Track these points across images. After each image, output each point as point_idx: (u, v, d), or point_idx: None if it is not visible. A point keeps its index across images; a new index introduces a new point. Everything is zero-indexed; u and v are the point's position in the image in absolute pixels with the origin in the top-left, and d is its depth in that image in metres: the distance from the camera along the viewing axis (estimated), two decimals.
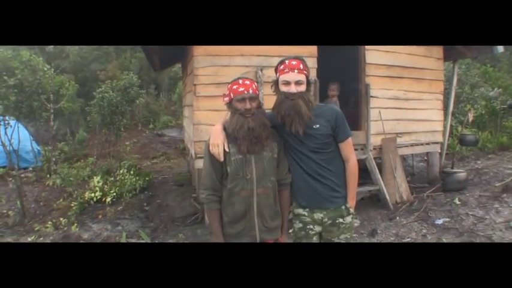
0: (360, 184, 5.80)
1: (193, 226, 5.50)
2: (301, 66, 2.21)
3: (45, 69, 8.82)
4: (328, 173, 2.29)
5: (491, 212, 5.05)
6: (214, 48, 4.99)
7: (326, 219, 2.31)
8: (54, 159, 9.50)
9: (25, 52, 9.28)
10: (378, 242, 4.63)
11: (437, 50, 6.55)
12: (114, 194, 7.03)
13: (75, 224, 5.71)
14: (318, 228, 2.35)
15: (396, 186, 5.97)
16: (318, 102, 5.44)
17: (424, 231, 4.84)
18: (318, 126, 2.25)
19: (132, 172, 8.06)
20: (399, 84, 6.19)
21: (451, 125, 7.94)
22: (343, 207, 2.33)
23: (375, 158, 5.97)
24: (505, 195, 5.59)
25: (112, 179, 7.72)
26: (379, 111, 5.98)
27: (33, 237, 5.36)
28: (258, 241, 2.20)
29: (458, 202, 5.58)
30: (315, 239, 2.38)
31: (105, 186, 7.26)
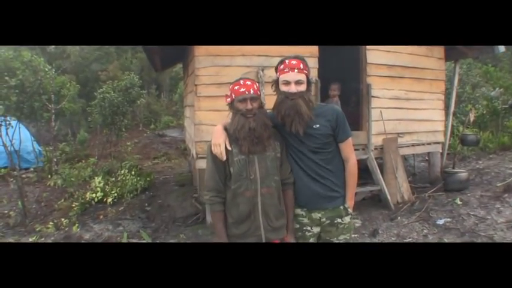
0: (361, 184, 5.90)
1: (194, 226, 5.50)
2: (301, 65, 2.20)
3: (47, 69, 8.82)
4: (327, 172, 2.28)
5: (493, 212, 5.02)
6: (216, 48, 4.98)
7: (324, 219, 2.30)
8: (55, 159, 9.49)
9: (26, 52, 9.29)
10: (379, 242, 4.62)
11: (438, 50, 6.54)
12: (115, 194, 7.03)
13: (76, 225, 5.72)
14: (315, 230, 2.34)
15: (397, 187, 5.95)
16: (319, 102, 5.45)
17: (425, 231, 4.83)
18: (318, 126, 2.24)
19: (133, 172, 8.07)
20: (400, 84, 6.18)
21: (452, 125, 7.92)
22: (341, 207, 2.32)
23: (376, 158, 5.95)
24: (506, 195, 5.56)
25: (113, 179, 7.73)
26: (380, 111, 5.97)
27: (34, 238, 5.36)
28: (263, 241, 2.19)
29: (459, 202, 5.56)
30: (311, 241, 2.36)
31: (106, 186, 7.27)
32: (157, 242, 5.08)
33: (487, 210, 5.15)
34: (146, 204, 6.86)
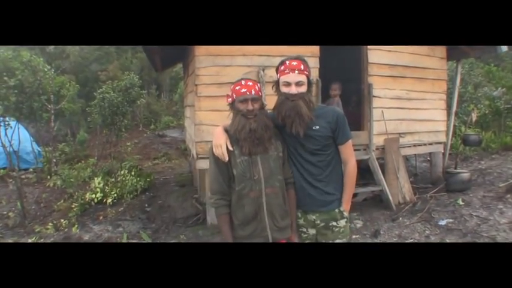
0: (362, 185, 5.92)
1: (195, 227, 5.48)
2: (302, 66, 2.18)
3: (46, 69, 8.79)
4: (325, 175, 2.27)
5: (495, 213, 5.00)
6: (216, 48, 4.97)
7: (319, 222, 2.30)
8: (54, 160, 9.50)
9: (25, 53, 9.24)
10: (381, 242, 4.58)
11: (440, 50, 6.52)
12: (115, 195, 7.03)
13: (76, 225, 5.72)
14: (311, 231, 2.34)
15: (399, 187, 5.94)
16: (320, 102, 5.47)
17: (427, 232, 4.81)
18: (317, 127, 2.23)
19: (133, 173, 8.06)
20: (402, 84, 6.16)
21: (454, 125, 7.89)
22: (336, 210, 2.30)
23: (377, 159, 5.93)
24: (509, 195, 5.54)
25: (113, 179, 7.72)
26: (382, 111, 5.95)
27: (33, 239, 5.37)
28: (270, 241, 2.18)
29: (461, 203, 5.54)
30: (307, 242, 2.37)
31: (106, 187, 7.27)
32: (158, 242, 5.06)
33: (489, 210, 5.12)
34: (146, 205, 6.85)
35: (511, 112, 10.19)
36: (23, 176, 8.78)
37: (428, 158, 7.74)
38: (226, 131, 2.22)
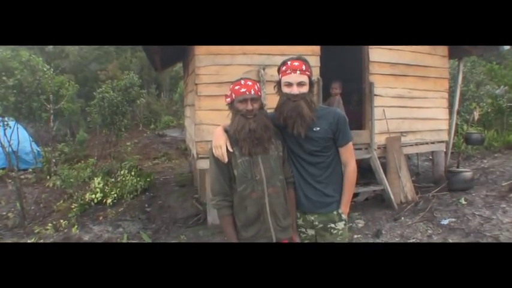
0: (364, 184, 5.92)
1: (195, 227, 5.47)
2: (304, 67, 2.18)
3: (45, 69, 8.80)
4: (324, 176, 2.28)
5: (498, 212, 4.98)
6: (216, 47, 4.95)
7: (317, 223, 2.30)
8: (54, 160, 9.49)
9: (24, 52, 9.26)
10: (383, 242, 4.57)
11: (442, 48, 6.49)
12: (115, 195, 7.02)
13: (76, 226, 5.71)
14: (310, 232, 2.35)
15: (401, 186, 5.91)
16: (321, 100, 5.48)
17: (429, 231, 4.78)
18: (318, 129, 2.23)
19: (133, 173, 8.05)
20: (403, 83, 6.15)
21: (457, 124, 7.87)
22: (334, 212, 2.30)
23: (379, 158, 5.92)
24: (511, 194, 5.51)
25: (113, 180, 7.71)
26: (383, 110, 5.93)
27: (33, 239, 5.36)
28: (274, 241, 2.18)
29: (464, 202, 5.52)
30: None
31: (106, 187, 7.25)
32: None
33: (492, 210, 5.10)
34: (146, 205, 6.84)
35: None
36: (22, 177, 8.78)
37: (430, 157, 7.70)
38: (226, 131, 2.22)
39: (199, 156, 5.09)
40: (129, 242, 5.14)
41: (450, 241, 4.39)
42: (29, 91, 8.19)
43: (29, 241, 5.29)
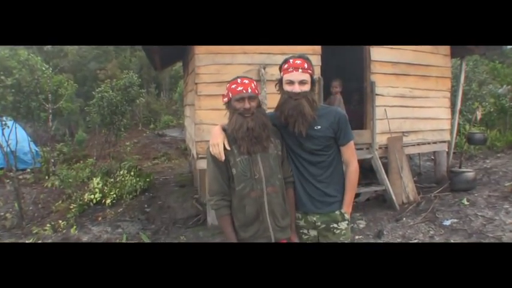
0: (365, 184, 5.90)
1: (195, 228, 5.46)
2: (306, 65, 2.18)
3: (44, 68, 8.80)
4: (326, 176, 2.27)
5: (501, 213, 4.97)
6: (216, 46, 4.92)
7: (319, 223, 2.29)
8: (52, 160, 9.47)
9: (23, 51, 9.25)
10: (384, 243, 4.55)
11: (444, 47, 6.46)
12: (114, 195, 6.99)
13: (75, 227, 5.69)
14: (313, 233, 2.33)
15: (403, 186, 5.90)
16: (322, 100, 5.46)
17: (431, 232, 4.77)
18: (319, 127, 2.22)
19: (132, 173, 8.03)
20: (405, 82, 6.13)
21: (459, 123, 7.86)
22: (337, 212, 2.29)
23: (380, 158, 5.90)
24: None
25: (112, 180, 7.68)
26: (385, 110, 5.91)
27: (31, 240, 5.35)
28: (273, 241, 2.17)
29: (466, 202, 5.51)
30: None
31: (105, 187, 7.23)
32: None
33: (495, 210, 5.09)
34: (146, 206, 6.82)
35: None
36: (21, 177, 8.74)
37: (432, 157, 7.73)
38: (224, 130, 2.21)
39: (199, 156, 5.07)
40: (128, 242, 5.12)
41: (452, 242, 4.37)
42: (27, 90, 8.20)
43: (27, 242, 5.27)
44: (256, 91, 2.17)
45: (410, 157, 7.44)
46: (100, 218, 6.17)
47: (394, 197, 5.66)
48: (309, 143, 2.23)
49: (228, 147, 2.14)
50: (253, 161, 2.13)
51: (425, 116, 6.36)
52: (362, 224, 5.16)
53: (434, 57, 6.38)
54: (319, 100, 5.08)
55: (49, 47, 14.96)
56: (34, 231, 5.68)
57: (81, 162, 10.15)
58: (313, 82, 2.22)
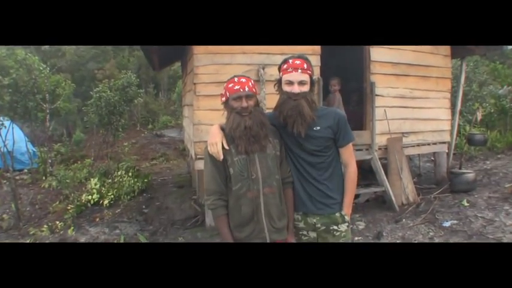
0: (365, 185, 5.89)
1: (193, 229, 5.44)
2: (305, 65, 2.18)
3: (41, 68, 8.79)
4: (325, 176, 2.27)
5: (501, 214, 4.97)
6: (215, 46, 4.91)
7: (319, 225, 2.28)
8: (50, 160, 9.43)
9: (20, 51, 9.25)
10: (382, 243, 4.57)
11: (444, 47, 6.45)
12: (112, 196, 6.96)
13: (72, 228, 5.67)
14: (312, 235, 2.32)
15: (402, 188, 5.89)
16: (322, 100, 5.46)
17: (431, 233, 4.76)
18: (319, 128, 2.22)
19: (130, 174, 7.99)
20: (405, 82, 6.12)
21: (459, 124, 7.88)
22: (337, 214, 2.29)
23: (380, 159, 5.90)
24: None
25: (110, 180, 7.65)
26: (385, 110, 5.90)
27: (28, 241, 5.32)
28: (268, 242, 2.16)
29: (466, 204, 5.50)
30: None
31: (103, 188, 7.19)
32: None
33: (495, 212, 5.09)
34: (144, 207, 6.78)
35: None
36: (18, 177, 8.68)
37: (432, 158, 7.72)
38: (222, 129, 2.21)
39: (198, 156, 5.06)
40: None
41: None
42: (24, 90, 8.19)
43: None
44: (254, 90, 2.16)
45: (410, 158, 7.43)
46: (98, 219, 6.13)
47: (393, 198, 5.65)
48: (308, 144, 2.22)
49: (226, 147, 2.13)
50: (250, 161, 2.12)
51: (425, 117, 6.35)
52: (361, 225, 5.16)
53: (435, 58, 6.37)
54: (318, 101, 5.07)
55: (47, 46, 14.92)
56: (31, 232, 5.64)
57: (79, 162, 10.11)
58: (312, 83, 2.22)
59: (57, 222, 5.91)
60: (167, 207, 6.45)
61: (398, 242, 4.60)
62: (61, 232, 5.60)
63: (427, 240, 4.58)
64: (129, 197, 7.12)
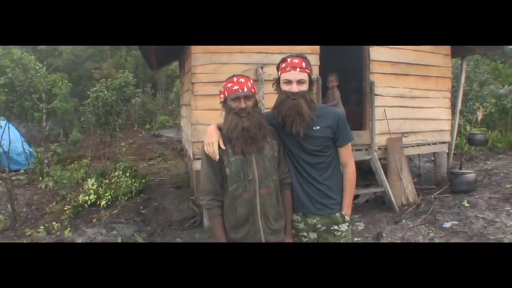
0: (364, 186, 5.86)
1: (191, 230, 5.42)
2: (304, 64, 2.17)
3: (37, 67, 8.78)
4: (325, 177, 2.25)
5: (502, 215, 4.95)
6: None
7: (320, 225, 2.27)
8: (46, 161, 9.40)
9: (16, 50, 9.21)
10: (381, 243, 4.56)
11: (444, 47, 6.43)
12: (109, 197, 6.93)
13: (69, 229, 5.64)
14: (312, 235, 2.30)
15: (402, 188, 5.87)
16: (321, 100, 5.45)
17: (431, 234, 4.74)
18: (318, 128, 2.21)
19: (127, 174, 7.95)
20: (405, 82, 6.10)
21: (459, 124, 7.88)
22: (337, 214, 2.28)
23: (380, 159, 5.87)
24: None
25: (107, 181, 7.63)
26: (384, 110, 5.88)
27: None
28: None
29: (467, 204, 5.48)
30: None
31: (100, 188, 7.16)
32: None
33: (495, 212, 5.07)
34: (141, 207, 6.75)
35: None
36: (14, 178, 8.68)
37: (432, 158, 7.72)
38: (219, 129, 2.19)
39: (196, 157, 5.03)
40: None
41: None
42: (20, 90, 8.18)
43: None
44: (253, 90, 2.14)
45: (410, 158, 7.43)
46: (95, 220, 6.10)
47: (393, 199, 5.63)
48: (308, 144, 2.20)
49: (222, 147, 2.12)
50: (247, 161, 2.10)
51: (425, 117, 6.34)
52: (361, 226, 5.14)
53: (435, 57, 6.35)
54: (317, 100, 5.04)
55: (43, 46, 14.89)
56: (27, 233, 5.62)
57: (76, 163, 10.10)
58: (311, 82, 2.20)
59: (54, 223, 5.89)
60: (165, 208, 6.43)
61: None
62: (58, 233, 5.58)
63: (427, 241, 4.56)
64: (126, 197, 7.09)
